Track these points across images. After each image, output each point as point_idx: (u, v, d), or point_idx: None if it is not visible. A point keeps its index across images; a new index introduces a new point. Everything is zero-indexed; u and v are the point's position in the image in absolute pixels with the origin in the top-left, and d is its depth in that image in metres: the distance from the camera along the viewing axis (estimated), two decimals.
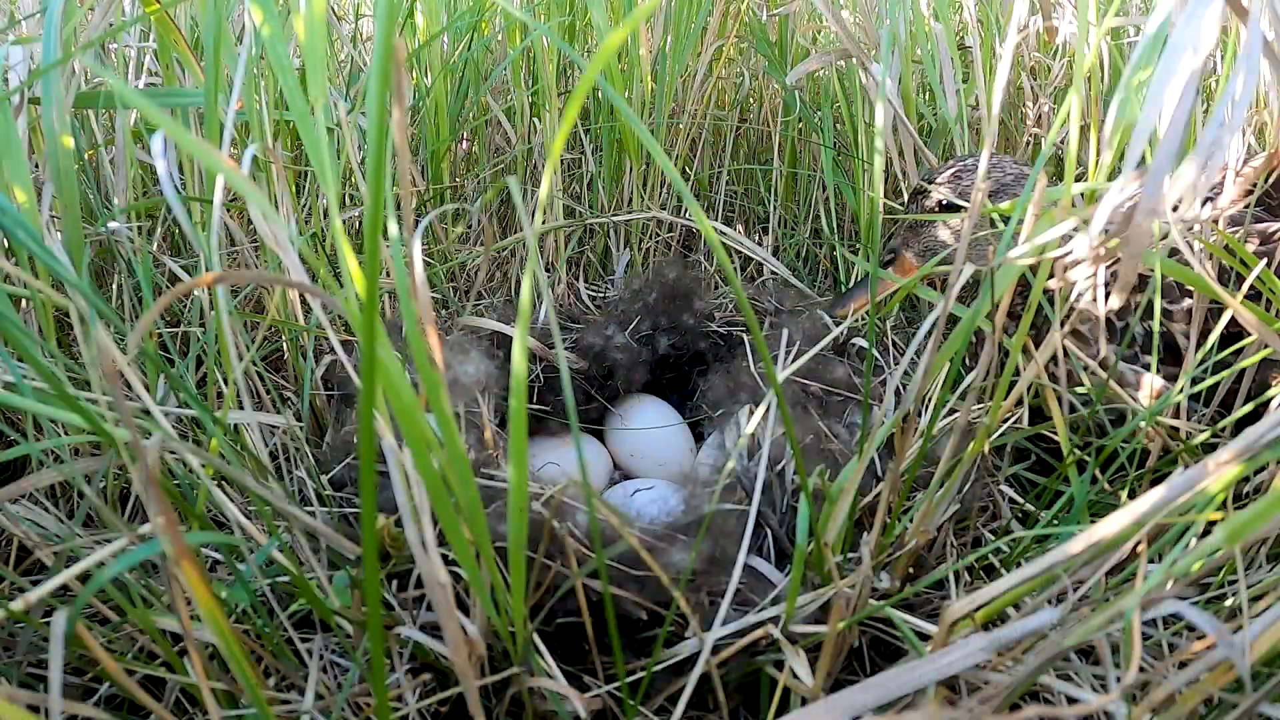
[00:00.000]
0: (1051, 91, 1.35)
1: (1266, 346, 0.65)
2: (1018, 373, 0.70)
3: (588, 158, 1.28)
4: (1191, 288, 0.73)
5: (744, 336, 1.01)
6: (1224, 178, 0.83)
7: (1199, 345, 0.74)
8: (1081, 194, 0.67)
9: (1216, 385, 0.78)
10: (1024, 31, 1.34)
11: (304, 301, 0.89)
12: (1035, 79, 1.39)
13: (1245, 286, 0.66)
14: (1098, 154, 0.67)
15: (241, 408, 0.74)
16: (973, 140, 1.22)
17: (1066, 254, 0.56)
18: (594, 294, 1.24)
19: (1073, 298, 0.67)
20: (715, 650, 0.61)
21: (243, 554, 0.67)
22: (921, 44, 1.19)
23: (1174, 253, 0.73)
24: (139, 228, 0.98)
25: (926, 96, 1.40)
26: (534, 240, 0.43)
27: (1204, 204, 0.82)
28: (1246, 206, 0.80)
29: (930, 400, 0.80)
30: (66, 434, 0.73)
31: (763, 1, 1.41)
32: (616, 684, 0.63)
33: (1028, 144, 1.33)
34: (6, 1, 1.24)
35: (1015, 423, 0.82)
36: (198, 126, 0.89)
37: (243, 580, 0.58)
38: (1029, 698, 0.67)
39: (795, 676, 0.57)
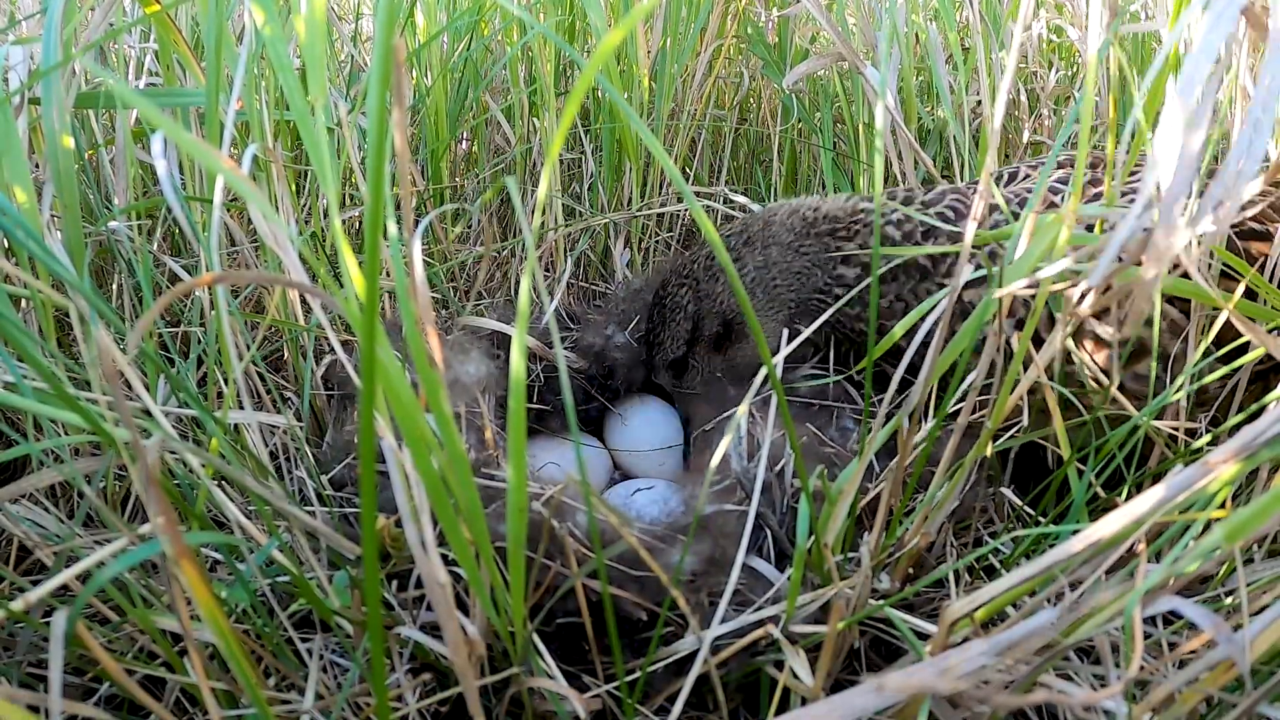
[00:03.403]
0: (1051, 95, 1.35)
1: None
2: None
3: (587, 158, 1.28)
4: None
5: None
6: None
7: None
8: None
9: (1213, 390, 0.78)
10: (1027, 32, 1.35)
11: (304, 301, 0.89)
12: (1038, 80, 1.39)
13: (1238, 293, 0.66)
14: (1111, 177, 0.67)
15: (241, 408, 0.74)
16: (971, 143, 1.22)
17: (1071, 283, 0.56)
18: (594, 293, 1.24)
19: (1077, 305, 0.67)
20: (715, 650, 0.61)
21: (243, 554, 0.67)
22: (920, 46, 1.19)
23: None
24: (139, 228, 0.98)
25: (926, 98, 1.40)
26: (532, 242, 0.43)
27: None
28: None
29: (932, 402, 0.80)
30: (66, 434, 0.73)
31: (762, 2, 1.41)
32: (616, 684, 0.63)
33: (1026, 148, 1.33)
34: (6, 1, 1.24)
35: (1018, 424, 0.82)
36: (198, 126, 0.89)
37: (243, 580, 0.58)
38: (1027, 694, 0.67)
39: (795, 676, 0.57)
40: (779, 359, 0.75)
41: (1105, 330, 0.60)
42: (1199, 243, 0.68)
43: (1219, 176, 0.50)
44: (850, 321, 0.89)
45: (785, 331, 0.89)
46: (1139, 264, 0.51)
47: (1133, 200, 0.79)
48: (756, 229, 0.90)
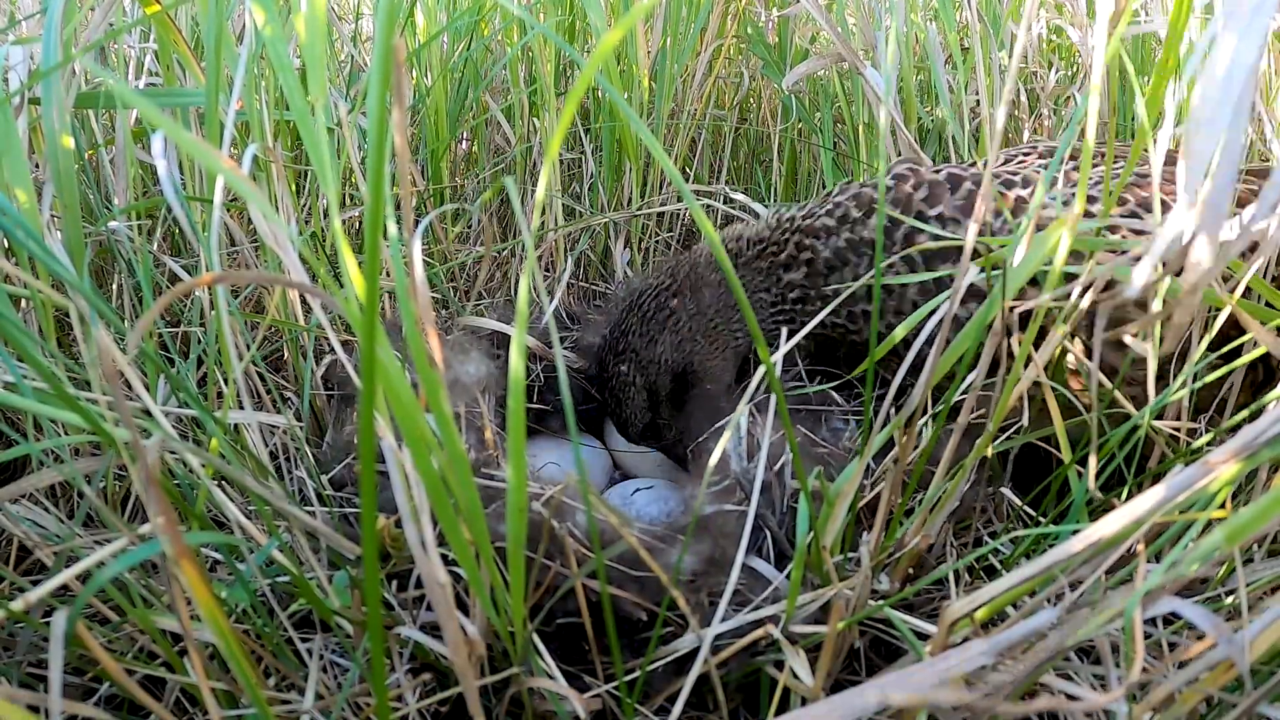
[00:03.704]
0: (1051, 95, 1.35)
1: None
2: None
3: (587, 158, 1.28)
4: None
5: None
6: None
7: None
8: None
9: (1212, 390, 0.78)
10: (1029, 33, 1.34)
11: (304, 301, 0.89)
12: (1038, 80, 1.39)
13: (1239, 291, 0.66)
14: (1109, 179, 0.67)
15: (241, 408, 0.74)
16: (971, 142, 1.22)
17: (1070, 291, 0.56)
18: (594, 293, 1.24)
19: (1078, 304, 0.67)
20: (715, 650, 0.61)
21: (243, 554, 0.67)
22: (919, 45, 1.19)
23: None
24: (139, 228, 0.97)
25: (925, 98, 1.40)
26: (532, 242, 0.43)
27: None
28: None
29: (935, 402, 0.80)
30: (66, 434, 0.73)
31: (762, 2, 1.41)
32: (616, 684, 0.63)
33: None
34: (6, 1, 1.24)
35: (1017, 424, 0.82)
36: (198, 126, 0.89)
37: (243, 580, 0.58)
38: (1029, 697, 0.67)
39: (795, 676, 0.57)
40: (777, 357, 0.75)
41: (1144, 347, 0.59)
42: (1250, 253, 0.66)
43: (1273, 180, 0.47)
44: (824, 321, 0.88)
45: (785, 333, 0.89)
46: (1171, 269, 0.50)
47: (1131, 205, 0.79)
48: (682, 275, 0.90)
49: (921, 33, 1.26)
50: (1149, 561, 0.52)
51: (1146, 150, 0.66)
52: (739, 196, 1.16)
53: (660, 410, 0.92)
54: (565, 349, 1.00)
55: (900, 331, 0.66)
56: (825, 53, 1.14)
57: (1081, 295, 0.60)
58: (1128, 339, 0.57)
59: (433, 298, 1.05)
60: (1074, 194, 0.79)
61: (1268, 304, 0.66)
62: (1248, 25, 0.44)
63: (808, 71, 1.15)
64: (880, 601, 0.60)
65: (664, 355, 0.89)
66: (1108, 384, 0.70)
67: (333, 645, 0.67)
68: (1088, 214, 0.76)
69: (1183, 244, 0.47)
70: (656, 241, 1.30)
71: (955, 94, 1.19)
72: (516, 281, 1.20)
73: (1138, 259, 0.48)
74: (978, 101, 1.26)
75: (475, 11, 1.23)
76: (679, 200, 1.25)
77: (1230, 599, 0.66)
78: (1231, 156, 0.45)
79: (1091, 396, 0.65)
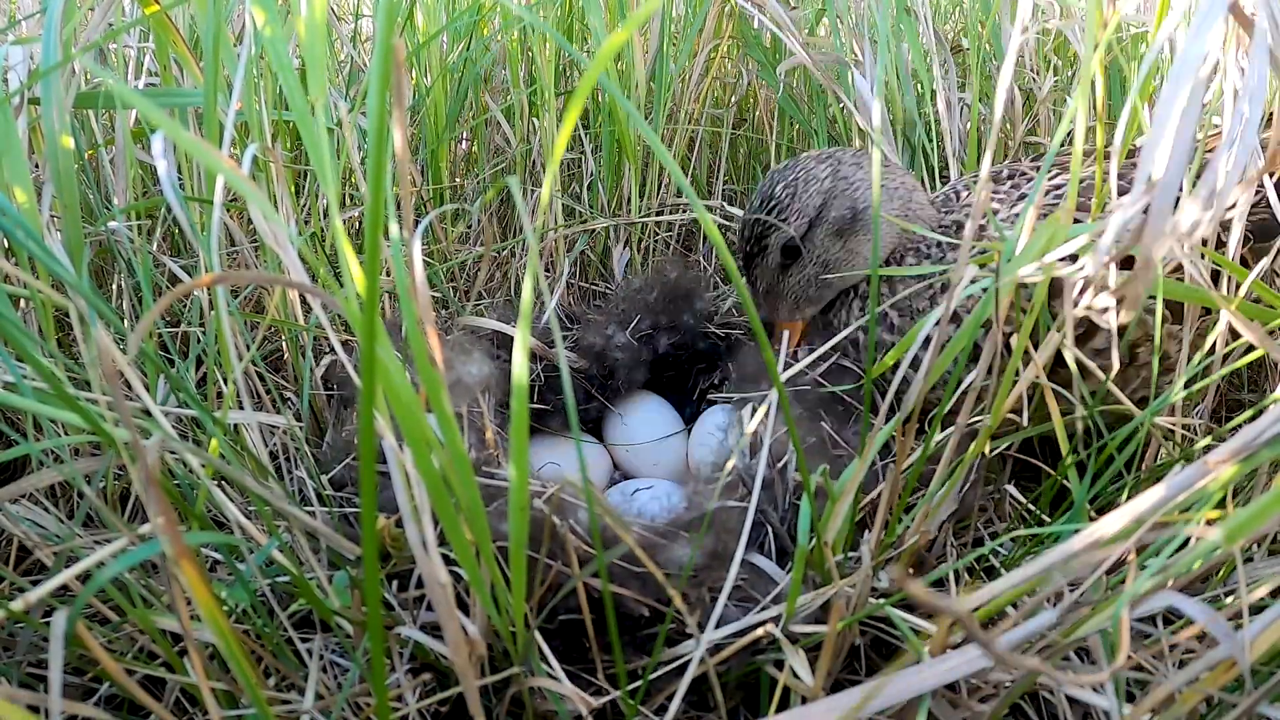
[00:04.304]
0: (1049, 97, 1.35)
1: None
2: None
3: (587, 158, 1.28)
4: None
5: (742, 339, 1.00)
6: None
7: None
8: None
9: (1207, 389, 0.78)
10: (1026, 32, 1.34)
11: (304, 301, 0.89)
12: (1036, 81, 1.39)
13: (1240, 292, 0.66)
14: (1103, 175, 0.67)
15: (241, 408, 0.74)
16: (960, 144, 1.22)
17: (1074, 270, 0.56)
18: (594, 293, 1.24)
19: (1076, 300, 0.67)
20: (716, 649, 0.61)
21: (243, 554, 0.67)
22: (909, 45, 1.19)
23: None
24: (139, 228, 0.97)
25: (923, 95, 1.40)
26: (535, 243, 0.43)
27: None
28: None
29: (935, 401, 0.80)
30: (66, 434, 0.73)
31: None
32: (617, 683, 0.62)
33: (1022, 148, 1.33)
34: (6, 1, 1.24)
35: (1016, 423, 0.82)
36: (196, 126, 0.89)
37: (243, 580, 0.58)
38: (1028, 697, 0.67)
39: (795, 676, 0.57)
40: (792, 367, 0.75)
41: (1105, 320, 0.60)
42: (1194, 232, 0.67)
43: (1214, 161, 0.50)
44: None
45: (785, 335, 0.89)
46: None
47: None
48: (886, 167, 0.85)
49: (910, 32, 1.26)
50: (1148, 560, 0.52)
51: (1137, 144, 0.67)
52: (735, 210, 1.15)
53: (809, 241, 0.84)
54: (565, 348, 1.00)
55: (904, 343, 0.67)
56: (819, 50, 1.14)
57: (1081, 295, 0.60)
58: (1095, 316, 0.58)
59: (433, 297, 1.05)
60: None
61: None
62: (1203, 22, 0.47)
63: (800, 62, 1.15)
64: (881, 600, 0.60)
65: (859, 186, 0.83)
66: (1102, 376, 0.70)
67: (333, 645, 0.67)
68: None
69: (1138, 220, 0.48)
70: (656, 241, 1.30)
71: (923, 103, 1.19)
72: (516, 281, 1.20)
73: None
74: (966, 106, 1.26)
75: (475, 11, 1.23)
76: (679, 202, 1.25)
77: (1230, 599, 0.66)
78: (1180, 154, 0.48)
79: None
